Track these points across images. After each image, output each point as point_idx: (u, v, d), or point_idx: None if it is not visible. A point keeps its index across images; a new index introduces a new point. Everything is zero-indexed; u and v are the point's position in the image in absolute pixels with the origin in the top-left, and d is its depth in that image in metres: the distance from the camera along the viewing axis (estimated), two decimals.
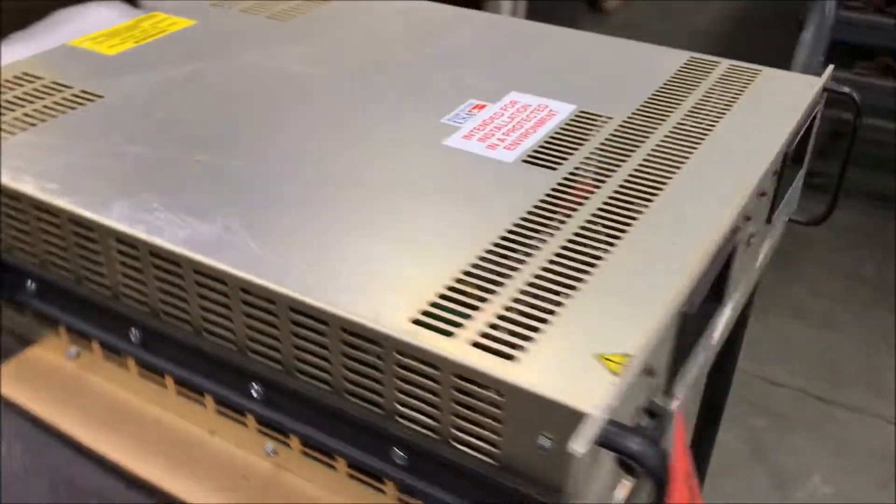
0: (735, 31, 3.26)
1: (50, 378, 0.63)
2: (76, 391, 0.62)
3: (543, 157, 0.61)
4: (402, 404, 0.47)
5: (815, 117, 0.71)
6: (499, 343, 0.44)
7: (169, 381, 0.59)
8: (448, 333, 0.45)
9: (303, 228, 0.53)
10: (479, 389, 0.43)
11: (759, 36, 2.98)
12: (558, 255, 0.51)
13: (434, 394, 0.45)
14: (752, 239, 0.63)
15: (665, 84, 0.72)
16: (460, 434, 0.46)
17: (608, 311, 0.47)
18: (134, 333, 0.58)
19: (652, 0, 3.55)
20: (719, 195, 0.57)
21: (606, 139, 0.64)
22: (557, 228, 0.53)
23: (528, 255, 0.51)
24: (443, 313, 0.46)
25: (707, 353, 0.59)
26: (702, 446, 0.97)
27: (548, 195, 0.57)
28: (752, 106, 0.69)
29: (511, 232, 0.53)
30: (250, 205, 0.55)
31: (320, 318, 0.47)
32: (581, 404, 0.40)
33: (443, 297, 0.47)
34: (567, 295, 0.48)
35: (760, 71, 0.75)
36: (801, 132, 0.68)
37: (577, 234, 0.53)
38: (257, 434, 0.56)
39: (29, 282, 0.61)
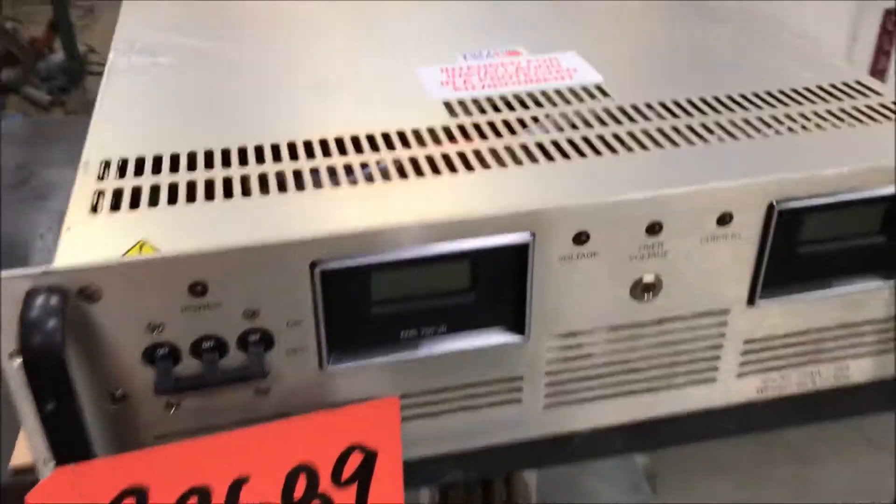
0: None
1: None
2: None
3: (469, 106, 0.53)
4: None
5: None
6: (108, 202, 0.43)
7: None
8: (102, 178, 0.45)
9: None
10: None
11: None
12: (267, 173, 0.45)
13: None
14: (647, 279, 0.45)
15: (764, 92, 0.53)
16: None
17: (213, 223, 0.41)
18: None
19: None
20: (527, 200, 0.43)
21: (565, 113, 0.51)
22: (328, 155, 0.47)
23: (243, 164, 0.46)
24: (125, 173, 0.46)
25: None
26: None
27: (398, 131, 0.49)
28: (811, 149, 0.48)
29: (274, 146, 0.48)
30: None
31: None
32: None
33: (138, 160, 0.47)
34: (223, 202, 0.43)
35: None
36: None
37: (337, 166, 0.46)
38: None
39: None
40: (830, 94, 0.53)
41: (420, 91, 0.54)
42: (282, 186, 0.44)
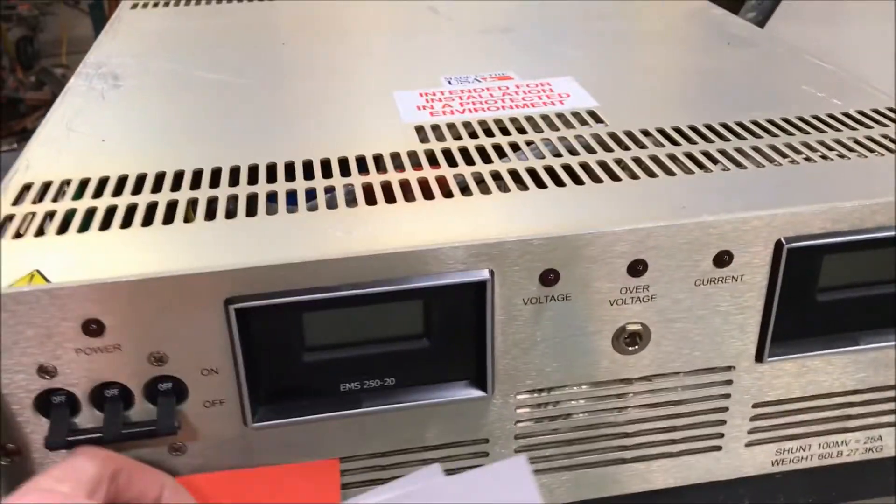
0: None
1: None
2: None
3: (443, 131, 0.47)
4: None
5: None
6: (14, 228, 0.38)
7: None
8: (16, 203, 0.40)
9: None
10: None
11: None
12: (198, 199, 0.40)
13: None
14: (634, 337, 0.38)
15: (781, 119, 0.47)
16: None
17: (126, 251, 0.36)
18: None
19: None
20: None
21: (549, 139, 0.45)
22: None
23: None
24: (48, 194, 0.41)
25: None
26: None
27: (358, 157, 0.44)
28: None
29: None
30: None
31: None
32: None
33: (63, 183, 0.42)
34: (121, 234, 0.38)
35: None
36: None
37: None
38: None
39: None
40: (858, 121, 0.47)
41: (393, 115, 0.49)
42: (211, 214, 0.39)
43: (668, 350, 0.39)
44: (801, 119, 0.47)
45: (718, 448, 0.43)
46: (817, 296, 0.39)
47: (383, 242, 0.36)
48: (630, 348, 0.39)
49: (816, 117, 0.47)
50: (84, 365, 0.34)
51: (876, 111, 0.48)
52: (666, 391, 0.40)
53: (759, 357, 0.40)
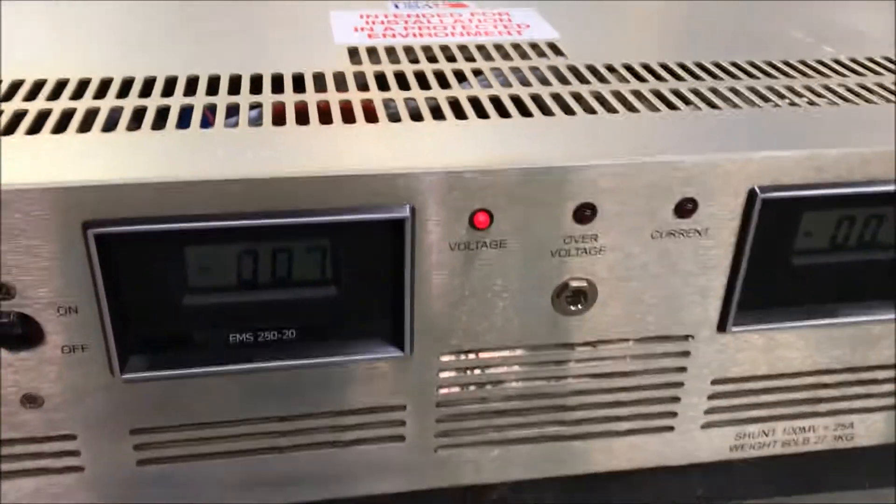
0: None
1: None
2: None
3: (379, 54, 0.41)
4: None
5: None
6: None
7: None
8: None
9: None
10: None
11: None
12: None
13: None
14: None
15: (764, 62, 0.41)
16: None
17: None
18: None
19: None
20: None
21: (499, 68, 0.39)
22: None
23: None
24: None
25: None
26: None
27: (274, 75, 0.38)
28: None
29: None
30: None
31: None
32: None
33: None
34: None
35: None
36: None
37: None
38: None
39: None
40: (850, 69, 0.41)
41: (326, 36, 0.43)
42: (86, 126, 0.33)
43: (617, 313, 0.34)
44: (787, 63, 0.41)
45: (671, 428, 0.38)
46: (793, 258, 0.34)
47: (285, 165, 0.30)
48: (572, 308, 0.33)
49: (804, 62, 0.41)
50: None
51: (871, 59, 0.42)
52: (612, 360, 0.35)
53: (721, 326, 0.35)
